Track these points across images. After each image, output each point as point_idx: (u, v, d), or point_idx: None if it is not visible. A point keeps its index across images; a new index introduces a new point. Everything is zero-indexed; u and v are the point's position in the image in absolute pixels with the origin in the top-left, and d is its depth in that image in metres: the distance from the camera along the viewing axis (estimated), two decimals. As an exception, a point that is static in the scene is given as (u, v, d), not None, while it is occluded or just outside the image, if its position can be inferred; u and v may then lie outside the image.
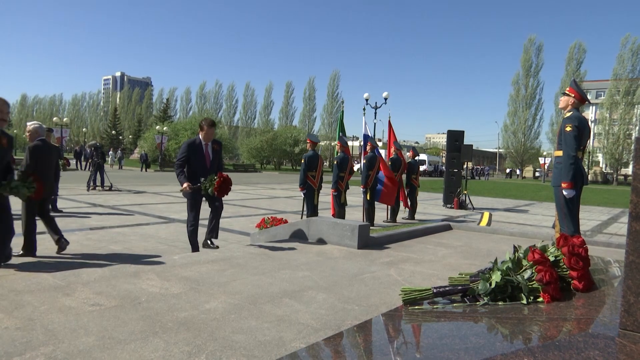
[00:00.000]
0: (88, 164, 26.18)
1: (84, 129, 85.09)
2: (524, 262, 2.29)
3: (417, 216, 11.05)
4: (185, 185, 5.55)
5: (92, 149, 17.14)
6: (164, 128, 43.70)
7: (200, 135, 5.86)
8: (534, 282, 2.18)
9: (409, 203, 10.92)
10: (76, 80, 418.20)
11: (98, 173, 15.86)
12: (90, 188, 15.56)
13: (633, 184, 1.63)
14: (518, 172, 65.56)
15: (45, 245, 5.96)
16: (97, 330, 2.82)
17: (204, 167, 5.81)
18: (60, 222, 8.30)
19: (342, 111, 10.75)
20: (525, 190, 29.44)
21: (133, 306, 3.30)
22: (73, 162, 35.04)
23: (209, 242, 5.82)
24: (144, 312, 3.19)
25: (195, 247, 5.81)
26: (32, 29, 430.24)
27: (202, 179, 5.69)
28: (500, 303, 2.11)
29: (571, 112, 5.04)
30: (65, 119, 39.59)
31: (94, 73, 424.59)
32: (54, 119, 40.36)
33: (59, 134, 33.60)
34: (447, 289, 2.34)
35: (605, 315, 1.86)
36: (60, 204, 10.27)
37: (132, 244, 6.46)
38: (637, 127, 56.42)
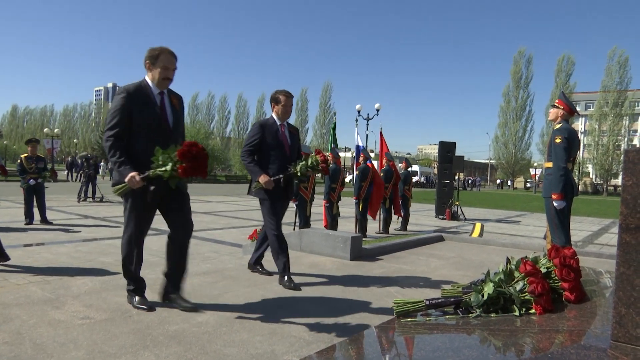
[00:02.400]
0: (79, 175, 26.01)
1: (75, 140, 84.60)
2: (516, 274, 2.30)
3: (409, 227, 11.07)
4: (263, 177, 4.30)
5: (83, 160, 17.07)
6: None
7: (274, 114, 4.59)
8: (526, 293, 2.19)
9: (402, 213, 10.93)
10: (67, 91, 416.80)
11: (89, 184, 15.76)
12: (81, 199, 15.45)
13: (623, 196, 1.65)
14: (509, 183, 65.97)
15: (35, 257, 5.90)
16: (87, 344, 2.78)
17: (283, 154, 4.51)
18: (50, 234, 8.23)
19: (335, 122, 10.80)
20: (517, 201, 29.60)
21: (124, 319, 3.26)
22: (64, 173, 34.84)
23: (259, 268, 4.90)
24: (134, 325, 3.16)
25: (285, 258, 4.51)
26: (23, 38, 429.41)
27: (289, 167, 4.47)
28: (492, 315, 2.12)
29: (561, 124, 5.10)
30: (56, 130, 39.40)
31: (85, 84, 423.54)
32: (45, 129, 40.15)
33: (50, 145, 33.44)
34: (439, 301, 2.34)
35: (597, 326, 1.86)
36: (50, 215, 10.18)
37: (123, 256, 6.41)
38: (626, 139, 57.12)
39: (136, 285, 3.59)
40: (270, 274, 4.75)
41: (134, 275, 3.58)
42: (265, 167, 4.43)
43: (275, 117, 4.55)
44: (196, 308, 3.48)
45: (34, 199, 9.56)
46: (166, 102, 3.47)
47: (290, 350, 2.83)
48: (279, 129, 4.52)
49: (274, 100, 4.54)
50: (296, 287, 4.33)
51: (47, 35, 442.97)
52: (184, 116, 3.74)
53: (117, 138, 3.27)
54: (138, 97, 3.33)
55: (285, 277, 4.41)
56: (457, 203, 14.51)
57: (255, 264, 4.93)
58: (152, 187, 3.30)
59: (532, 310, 2.15)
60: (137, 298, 3.54)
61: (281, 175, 4.38)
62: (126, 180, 3.18)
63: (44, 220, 9.54)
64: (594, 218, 17.40)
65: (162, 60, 3.40)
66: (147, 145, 3.28)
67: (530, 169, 57.65)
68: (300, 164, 4.43)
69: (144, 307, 3.47)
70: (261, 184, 4.30)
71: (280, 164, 4.46)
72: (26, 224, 9.25)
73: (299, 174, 4.42)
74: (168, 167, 3.11)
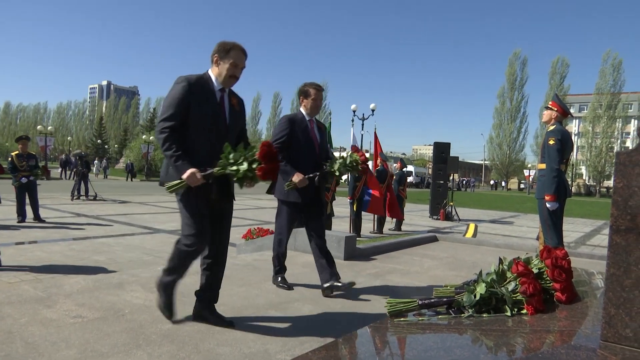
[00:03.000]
0: (73, 173, 25.93)
1: (68, 138, 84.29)
2: (508, 274, 2.32)
3: (403, 227, 11.10)
4: (297, 176, 3.86)
5: (77, 158, 17.00)
6: (151, 137, 43.44)
7: (302, 108, 4.28)
8: (518, 294, 2.20)
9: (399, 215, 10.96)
10: (62, 89, 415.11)
11: (82, 182, 15.70)
12: (75, 197, 15.38)
13: (614, 198, 1.67)
14: (503, 183, 66.26)
15: (27, 255, 5.88)
16: (79, 343, 2.77)
17: (312, 152, 4.20)
18: (43, 232, 8.19)
19: (330, 122, 10.81)
20: (511, 201, 29.74)
21: (116, 318, 3.26)
22: (58, 171, 34.66)
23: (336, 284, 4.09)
24: (127, 324, 3.15)
25: (282, 267, 4.39)
26: (16, 35, 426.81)
27: (326, 165, 4.13)
28: (484, 315, 2.13)
29: (554, 126, 5.13)
30: (49, 128, 39.20)
31: (80, 81, 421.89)
32: (38, 127, 39.95)
33: (43, 143, 33.25)
34: (432, 301, 2.35)
35: (587, 327, 1.88)
36: (43, 213, 10.13)
37: (116, 255, 6.39)
38: (619, 141, 57.47)
39: (170, 306, 3.22)
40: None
41: (173, 292, 3.21)
42: (294, 165, 4.06)
43: (304, 112, 4.24)
44: (232, 323, 3.21)
45: (27, 197, 9.50)
46: (225, 101, 3.19)
47: (283, 350, 2.83)
48: (308, 124, 4.21)
49: (303, 94, 4.23)
50: (290, 288, 4.32)
51: (41, 32, 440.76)
52: (244, 118, 3.44)
53: (174, 130, 2.96)
54: (198, 90, 3.03)
55: (279, 278, 4.39)
56: (452, 204, 14.55)
57: (332, 281, 4.14)
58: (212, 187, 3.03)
59: (524, 311, 2.17)
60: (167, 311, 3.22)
61: (317, 173, 4.01)
62: (184, 176, 2.87)
63: (37, 218, 9.50)
64: (587, 219, 17.51)
65: (233, 57, 3.11)
66: (201, 142, 3.05)
67: (524, 170, 57.96)
68: (338, 162, 4.10)
69: (172, 318, 3.21)
70: (295, 183, 3.91)
71: (309, 162, 4.12)
72: (18, 222, 9.21)
73: (336, 173, 4.08)
74: (243, 167, 2.86)
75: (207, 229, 3.08)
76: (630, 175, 1.63)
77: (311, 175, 4.01)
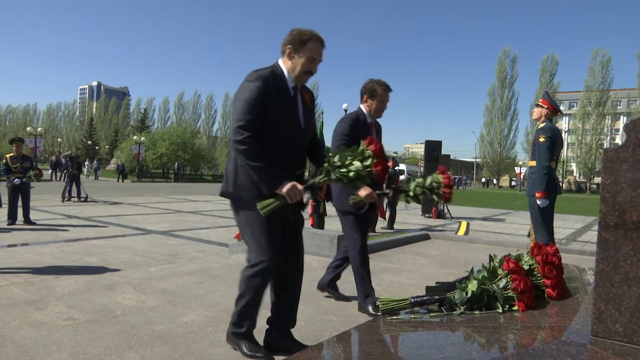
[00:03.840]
0: (63, 174, 25.71)
1: (59, 139, 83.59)
2: (499, 271, 2.33)
3: (396, 226, 11.12)
4: (364, 191, 3.23)
5: (68, 159, 16.87)
6: (142, 138, 43.25)
7: (364, 107, 3.78)
8: (509, 290, 2.22)
9: (389, 213, 11.01)
10: (51, 90, 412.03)
11: (73, 184, 15.58)
12: (65, 199, 15.26)
13: (602, 194, 1.68)
14: (495, 181, 66.62)
15: (17, 258, 5.82)
16: (71, 346, 2.76)
17: None
18: (34, 234, 8.13)
19: (322, 122, 10.80)
20: (502, 199, 29.89)
21: (108, 320, 3.24)
22: (48, 172, 34.40)
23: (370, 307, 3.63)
24: (119, 326, 3.14)
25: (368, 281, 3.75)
26: (5, 36, 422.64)
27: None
28: (476, 312, 2.14)
29: (544, 123, 5.17)
30: (39, 129, 38.79)
31: (70, 82, 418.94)
32: (28, 128, 39.59)
33: (33, 144, 32.99)
34: (424, 298, 2.36)
35: (577, 322, 1.89)
36: (34, 215, 10.04)
37: (107, 256, 6.35)
38: (609, 137, 58.01)
39: (249, 329, 2.71)
40: (347, 299, 4.02)
41: (254, 318, 2.70)
42: None
43: (366, 113, 3.76)
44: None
45: (19, 199, 9.42)
46: (299, 99, 2.76)
47: (276, 349, 2.82)
48: (369, 127, 3.75)
49: (369, 92, 3.71)
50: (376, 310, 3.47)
51: (30, 33, 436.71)
52: (314, 115, 3.00)
53: (255, 138, 2.51)
54: (274, 90, 2.59)
55: (371, 306, 3.61)
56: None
57: (329, 286, 4.11)
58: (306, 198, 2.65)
59: (515, 307, 2.18)
60: (247, 344, 2.67)
61: (389, 191, 3.39)
62: (284, 191, 2.45)
63: (27, 220, 9.41)
64: (578, 216, 17.63)
65: (311, 49, 2.65)
66: (278, 149, 2.62)
67: (516, 168, 58.31)
68: (416, 181, 3.27)
69: (259, 355, 2.63)
70: (361, 197, 3.25)
71: None
72: (8, 225, 9.12)
73: (411, 193, 3.23)
74: (356, 166, 2.41)
75: (279, 244, 2.66)
76: (618, 171, 1.64)
77: (382, 191, 3.45)
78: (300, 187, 2.47)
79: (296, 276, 2.84)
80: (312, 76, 2.74)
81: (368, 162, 2.40)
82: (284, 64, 2.70)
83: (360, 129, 3.61)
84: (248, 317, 2.65)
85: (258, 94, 2.53)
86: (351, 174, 2.36)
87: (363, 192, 3.27)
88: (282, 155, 2.63)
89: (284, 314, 2.81)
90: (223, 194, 2.76)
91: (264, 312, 2.73)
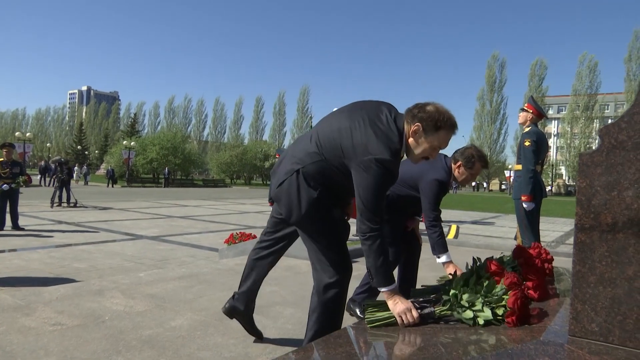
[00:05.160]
0: (52, 179, 25.52)
1: (48, 144, 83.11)
2: (482, 273, 2.37)
3: (386, 229, 11.17)
4: (452, 267, 3.44)
5: (57, 164, 16.77)
6: (132, 143, 43.04)
7: (457, 173, 3.60)
8: (503, 299, 2.19)
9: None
10: (40, 95, 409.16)
11: (63, 189, 15.49)
12: (55, 204, 15.17)
13: (577, 197, 1.73)
14: (485, 185, 67.05)
15: (5, 264, 5.79)
16: (58, 351, 2.76)
17: None
18: (22, 240, 8.07)
19: (312, 126, 10.86)
20: (492, 202, 30.11)
21: (96, 325, 3.24)
22: (37, 177, 34.13)
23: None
24: (107, 330, 3.14)
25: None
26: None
27: None
28: (454, 313, 2.17)
29: (530, 127, 5.24)
30: (28, 134, 38.45)
31: (59, 87, 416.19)
32: (17, 133, 39.24)
33: (22, 150, 32.72)
34: (409, 301, 2.39)
35: (556, 323, 1.94)
36: (22, 221, 9.96)
37: (97, 262, 6.34)
38: (597, 141, 58.64)
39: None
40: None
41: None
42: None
43: (450, 178, 3.61)
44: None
45: (7, 205, 9.36)
46: None
47: (263, 353, 2.85)
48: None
49: (466, 160, 3.53)
50: None
51: (19, 37, 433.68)
52: None
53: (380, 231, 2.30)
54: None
55: (358, 309, 3.63)
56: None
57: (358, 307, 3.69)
58: None
59: (501, 316, 2.07)
60: None
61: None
62: (399, 310, 2.11)
63: (15, 226, 9.34)
64: (567, 219, 17.80)
65: (441, 138, 2.34)
66: (344, 186, 2.43)
67: (505, 171, 58.74)
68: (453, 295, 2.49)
69: None
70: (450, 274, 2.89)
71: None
72: (-4, 231, 9.06)
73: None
74: (484, 316, 2.03)
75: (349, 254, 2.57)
76: (593, 175, 1.69)
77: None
78: (415, 314, 2.09)
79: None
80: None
81: (501, 313, 2.02)
82: (410, 136, 2.33)
83: (445, 192, 3.60)
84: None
85: (386, 181, 2.29)
86: (479, 320, 2.01)
87: (451, 269, 3.34)
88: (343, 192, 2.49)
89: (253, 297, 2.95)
90: (294, 221, 2.50)
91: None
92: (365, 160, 2.21)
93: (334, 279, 2.46)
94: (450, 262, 3.49)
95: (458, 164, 3.56)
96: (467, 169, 3.53)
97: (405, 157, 2.45)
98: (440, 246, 3.55)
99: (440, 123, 2.29)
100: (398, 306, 2.11)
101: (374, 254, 2.26)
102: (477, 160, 3.53)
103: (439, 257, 3.55)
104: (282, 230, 2.86)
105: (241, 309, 2.91)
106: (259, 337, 3.05)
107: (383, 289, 2.22)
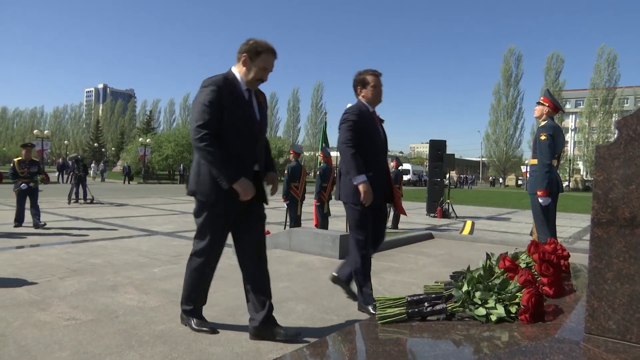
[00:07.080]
0: (70, 176, 25.86)
1: (65, 142, 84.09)
2: (496, 270, 2.33)
3: (400, 225, 11.11)
4: (363, 186, 3.32)
5: (74, 161, 16.97)
6: (147, 140, 43.41)
7: (362, 99, 3.64)
8: (516, 297, 2.14)
9: (392, 213, 10.96)
10: (58, 93, 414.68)
11: (80, 186, 15.67)
12: (72, 201, 15.36)
13: (594, 191, 1.68)
14: (501, 180, 66.34)
15: (23, 259, 5.87)
16: (72, 345, 2.79)
17: (380, 149, 3.65)
18: (40, 237, 8.18)
19: (325, 122, 10.83)
20: (508, 198, 29.78)
21: (110, 320, 3.27)
22: (55, 175, 34.62)
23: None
24: (120, 325, 3.16)
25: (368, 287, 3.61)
26: (12, 39, 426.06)
27: None
28: (468, 310, 2.14)
29: (546, 121, 5.15)
30: (46, 132, 39.02)
31: (76, 85, 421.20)
32: (35, 131, 39.85)
33: (40, 147, 33.22)
34: (421, 297, 2.36)
35: (572, 320, 1.89)
36: (41, 217, 10.09)
37: (112, 258, 6.39)
38: (615, 135, 57.68)
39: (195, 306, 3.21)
40: (355, 297, 3.75)
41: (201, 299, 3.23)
42: (365, 168, 3.42)
43: (366, 104, 3.61)
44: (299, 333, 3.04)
45: (26, 203, 9.50)
46: (254, 100, 3.01)
47: (275, 349, 2.84)
48: (373, 118, 3.61)
49: (360, 83, 3.61)
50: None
51: (37, 36, 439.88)
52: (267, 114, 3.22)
53: (213, 135, 2.77)
54: (227, 93, 2.85)
55: (371, 306, 3.42)
56: (449, 201, 14.57)
57: (345, 281, 3.82)
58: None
59: (514, 313, 2.04)
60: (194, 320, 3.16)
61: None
62: (242, 188, 2.82)
63: (35, 225, 9.44)
64: (584, 214, 17.53)
65: (264, 60, 2.93)
66: (236, 147, 2.88)
67: (522, 167, 58.07)
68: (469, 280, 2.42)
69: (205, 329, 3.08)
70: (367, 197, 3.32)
71: (376, 165, 3.54)
72: (15, 227, 9.19)
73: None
74: (497, 313, 2.01)
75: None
76: (610, 168, 1.64)
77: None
78: (252, 188, 2.87)
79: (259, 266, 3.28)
80: (262, 83, 3.03)
81: (514, 310, 2.02)
82: (236, 70, 2.97)
83: (367, 120, 3.53)
84: (192, 298, 3.26)
85: (212, 97, 2.80)
86: (492, 317, 2.00)
87: (362, 187, 3.33)
88: (241, 152, 2.91)
89: (259, 305, 3.05)
90: (192, 194, 2.99)
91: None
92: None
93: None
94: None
95: (358, 90, 3.66)
96: (365, 88, 3.61)
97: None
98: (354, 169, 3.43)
99: (260, 48, 2.91)
100: (239, 186, 2.80)
101: (212, 163, 2.78)
102: (366, 74, 3.61)
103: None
104: None
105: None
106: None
107: (237, 188, 2.80)
